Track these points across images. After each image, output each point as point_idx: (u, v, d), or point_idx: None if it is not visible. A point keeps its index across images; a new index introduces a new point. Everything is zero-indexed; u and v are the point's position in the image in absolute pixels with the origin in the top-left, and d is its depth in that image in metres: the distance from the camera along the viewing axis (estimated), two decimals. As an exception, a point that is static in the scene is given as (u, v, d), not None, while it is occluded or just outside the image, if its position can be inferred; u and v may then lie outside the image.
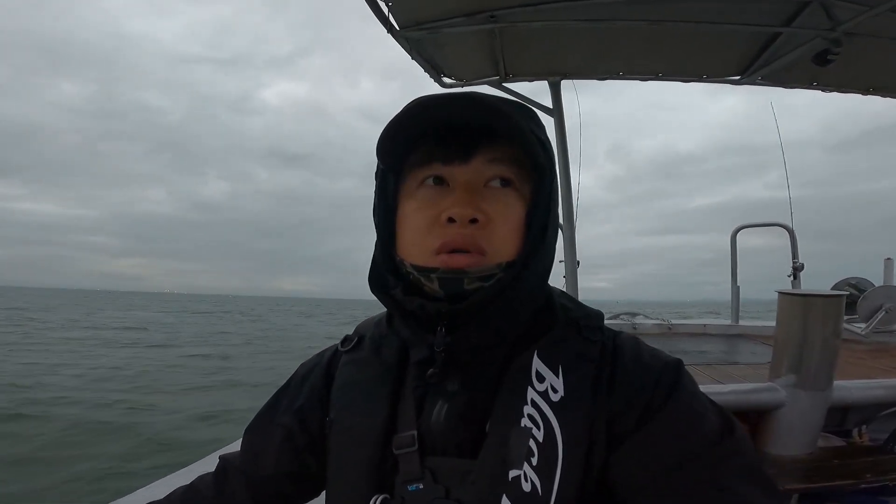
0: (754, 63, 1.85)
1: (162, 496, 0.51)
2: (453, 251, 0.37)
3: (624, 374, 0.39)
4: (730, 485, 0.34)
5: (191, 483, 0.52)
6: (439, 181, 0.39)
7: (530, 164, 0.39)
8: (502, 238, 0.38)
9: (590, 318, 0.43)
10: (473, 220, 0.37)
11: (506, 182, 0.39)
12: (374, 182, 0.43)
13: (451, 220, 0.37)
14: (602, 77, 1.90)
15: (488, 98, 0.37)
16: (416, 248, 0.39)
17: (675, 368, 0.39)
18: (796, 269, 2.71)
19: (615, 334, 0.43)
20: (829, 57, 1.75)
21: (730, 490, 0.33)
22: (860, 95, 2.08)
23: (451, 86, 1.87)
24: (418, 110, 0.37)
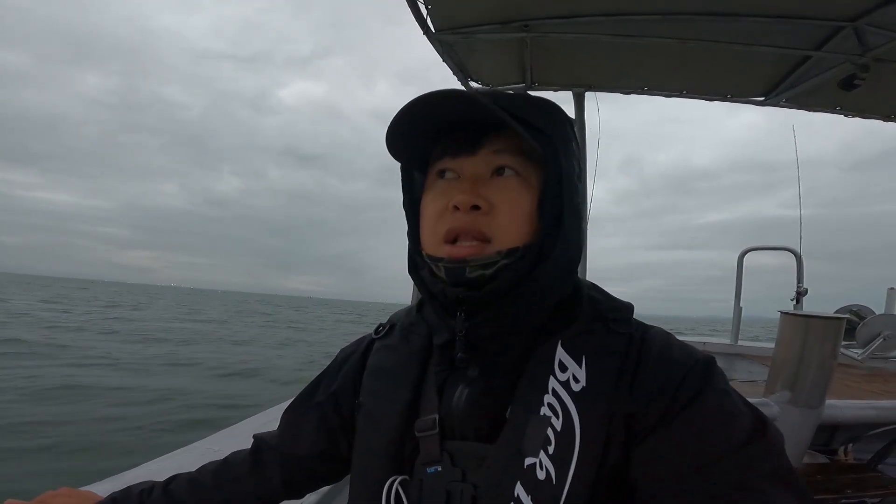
0: (780, 85, 1.87)
1: (184, 466, 0.53)
2: (457, 238, 0.39)
3: (650, 368, 0.37)
4: (758, 486, 0.32)
5: (223, 459, 0.53)
6: (451, 173, 0.41)
7: (535, 153, 0.40)
8: (504, 225, 0.39)
9: (618, 311, 0.42)
10: (476, 208, 0.38)
11: (509, 170, 0.40)
12: (400, 178, 0.46)
13: (456, 208, 0.39)
14: (626, 91, 1.92)
15: (474, 95, 0.37)
16: (430, 236, 0.41)
17: (706, 365, 0.38)
18: (799, 294, 2.74)
19: (645, 328, 0.41)
20: (855, 82, 1.76)
21: (758, 491, 0.32)
22: (881, 121, 2.09)
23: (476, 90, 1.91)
24: (402, 113, 0.38)
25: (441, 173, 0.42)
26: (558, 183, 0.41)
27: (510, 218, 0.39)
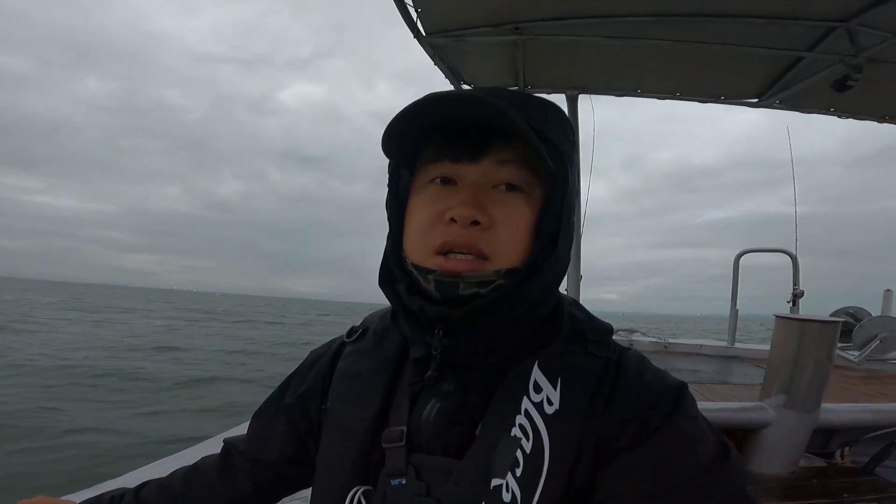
0: (773, 86, 1.86)
1: (164, 475, 0.52)
2: (451, 252, 0.37)
3: (623, 392, 0.38)
4: None
5: (194, 464, 0.52)
6: (448, 180, 0.39)
7: (543, 167, 0.37)
8: (505, 243, 0.37)
9: (597, 332, 0.41)
10: (475, 223, 0.36)
11: (514, 186, 0.38)
12: (388, 174, 0.43)
13: (453, 220, 0.36)
14: (619, 94, 1.92)
15: (490, 96, 0.35)
16: (418, 245, 0.39)
17: (677, 391, 0.38)
18: (796, 296, 2.75)
19: (622, 351, 0.41)
20: (848, 83, 1.75)
21: None
22: (876, 123, 2.09)
23: (469, 92, 1.89)
24: (412, 110, 0.35)
25: (439, 178, 0.39)
26: (561, 200, 0.39)
27: (511, 236, 0.37)
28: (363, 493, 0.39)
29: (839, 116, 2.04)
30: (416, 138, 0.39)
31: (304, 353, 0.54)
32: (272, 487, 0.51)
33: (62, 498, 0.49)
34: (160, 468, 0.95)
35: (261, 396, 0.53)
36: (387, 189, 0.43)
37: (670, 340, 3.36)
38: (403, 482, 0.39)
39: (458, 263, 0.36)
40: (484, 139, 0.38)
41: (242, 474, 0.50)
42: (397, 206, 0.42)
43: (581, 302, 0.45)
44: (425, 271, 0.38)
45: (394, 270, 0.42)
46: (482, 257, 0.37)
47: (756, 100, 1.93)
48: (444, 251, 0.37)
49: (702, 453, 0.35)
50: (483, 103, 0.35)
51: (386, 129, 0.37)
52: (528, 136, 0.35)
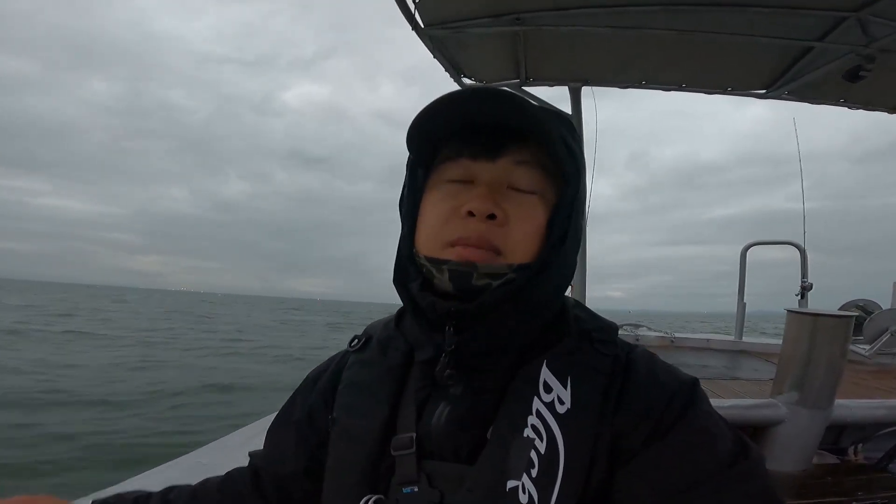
0: (782, 77, 1.82)
1: (171, 481, 0.52)
2: (467, 246, 0.37)
3: (635, 389, 0.38)
4: None
5: (227, 474, 0.53)
6: (465, 177, 0.39)
7: (557, 170, 0.39)
8: (518, 240, 0.38)
9: (603, 331, 0.42)
10: (492, 217, 0.37)
11: (529, 184, 0.39)
12: (405, 173, 0.44)
13: (470, 214, 0.37)
14: (624, 85, 1.88)
15: (521, 99, 0.36)
16: (432, 238, 0.39)
17: (691, 387, 0.38)
18: (804, 289, 2.71)
19: (630, 348, 0.41)
20: (861, 73, 1.72)
21: None
22: (887, 114, 2.05)
23: (470, 86, 1.86)
24: (445, 104, 0.36)
25: (456, 175, 0.40)
26: (571, 202, 0.40)
27: (523, 234, 0.38)
28: (375, 501, 0.39)
29: (850, 108, 2.00)
30: (436, 136, 0.40)
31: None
32: (298, 501, 0.50)
33: (75, 501, 0.46)
34: (165, 473, 0.93)
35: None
36: (402, 188, 0.44)
37: (677, 335, 3.33)
38: (416, 490, 0.38)
39: (473, 252, 0.37)
40: (501, 137, 0.39)
41: (270, 487, 0.50)
42: (412, 203, 0.43)
43: (586, 299, 0.45)
44: (439, 262, 0.38)
45: (408, 268, 0.42)
46: (495, 251, 0.37)
47: (764, 91, 1.89)
48: (460, 245, 0.38)
49: (721, 448, 0.35)
50: (512, 104, 0.36)
51: (411, 126, 0.38)
52: (554, 139, 0.36)
